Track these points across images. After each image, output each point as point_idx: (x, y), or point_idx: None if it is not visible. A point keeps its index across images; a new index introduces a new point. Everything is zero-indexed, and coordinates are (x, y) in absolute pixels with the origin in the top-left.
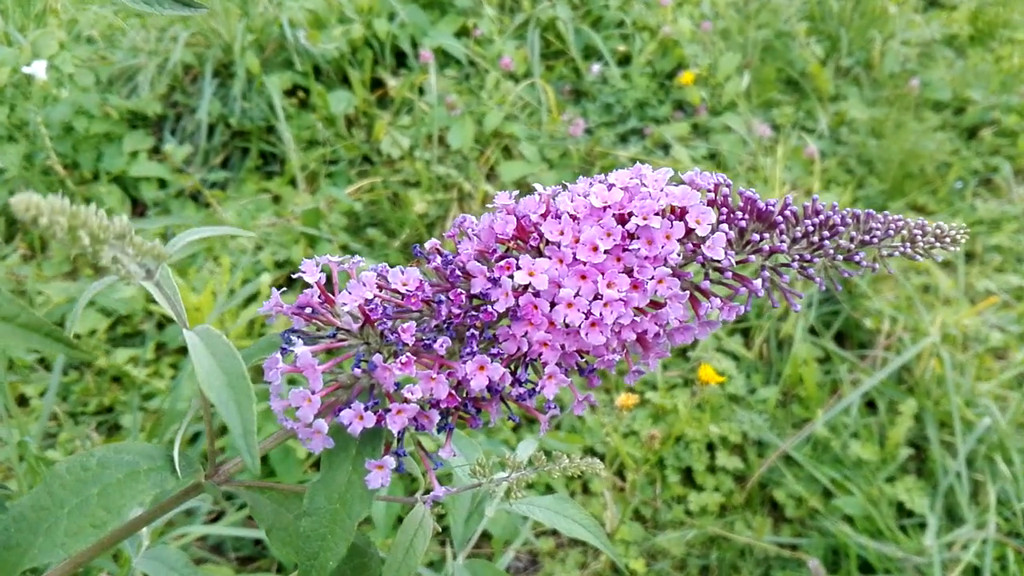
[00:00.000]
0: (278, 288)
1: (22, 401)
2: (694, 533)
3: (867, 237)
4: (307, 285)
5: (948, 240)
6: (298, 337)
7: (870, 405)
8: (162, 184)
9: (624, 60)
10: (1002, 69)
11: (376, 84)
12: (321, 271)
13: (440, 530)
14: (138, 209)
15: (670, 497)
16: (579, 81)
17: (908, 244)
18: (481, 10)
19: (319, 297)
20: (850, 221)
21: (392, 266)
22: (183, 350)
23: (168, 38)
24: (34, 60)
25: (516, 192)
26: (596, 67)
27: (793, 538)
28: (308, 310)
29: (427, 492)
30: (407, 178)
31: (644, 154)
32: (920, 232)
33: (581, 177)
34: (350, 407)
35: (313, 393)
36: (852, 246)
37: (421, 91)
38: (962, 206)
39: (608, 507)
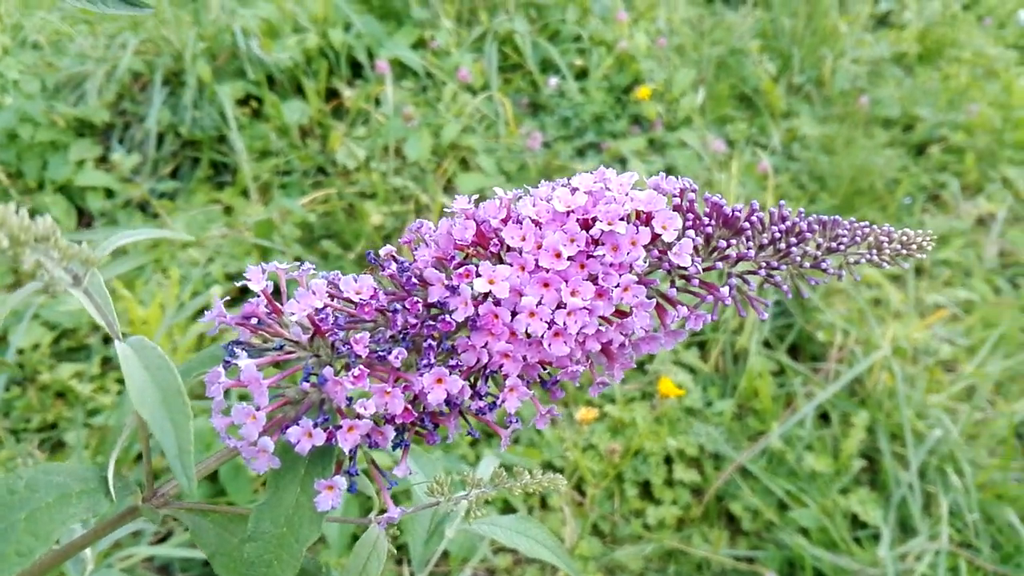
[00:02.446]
0: (229, 301)
1: None
2: (652, 547)
3: (834, 244)
4: (252, 294)
5: (915, 247)
6: (243, 349)
7: (824, 417)
8: (109, 194)
9: (581, 74)
10: (949, 87)
11: (331, 94)
12: (268, 279)
13: (395, 551)
14: (84, 220)
15: (628, 511)
16: (537, 94)
17: (874, 251)
18: (438, 22)
19: (266, 307)
20: (816, 227)
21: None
22: None
23: (117, 45)
24: None
25: (476, 196)
26: (553, 81)
27: (750, 551)
28: (254, 320)
29: (381, 512)
30: (363, 190)
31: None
32: (886, 239)
33: (544, 181)
34: (298, 424)
35: (258, 409)
36: (819, 253)
37: (377, 102)
38: (911, 222)
39: (567, 522)
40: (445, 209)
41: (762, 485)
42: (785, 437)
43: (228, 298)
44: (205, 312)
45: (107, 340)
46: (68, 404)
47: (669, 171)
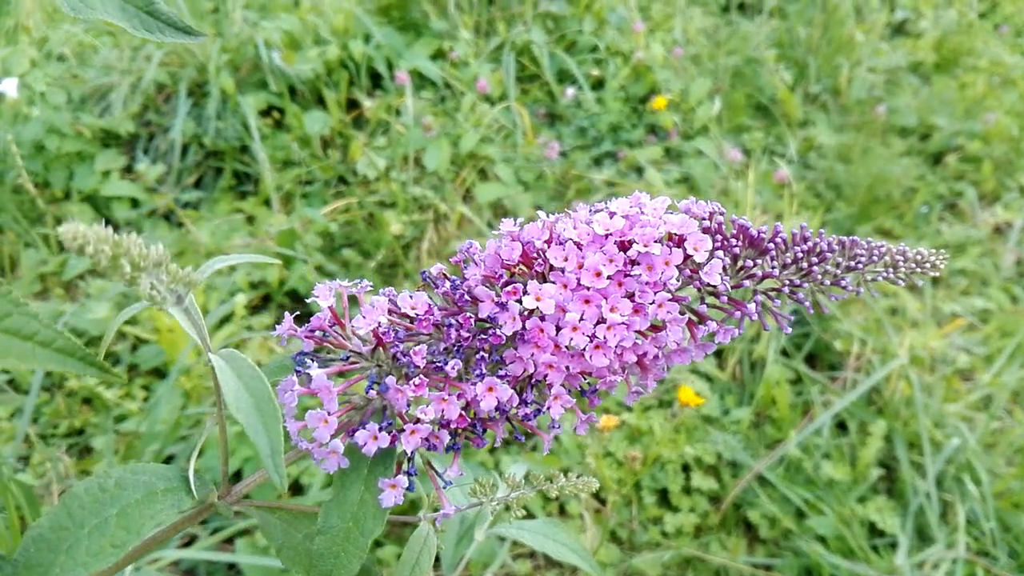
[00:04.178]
0: (252, 308)
1: None
2: (670, 554)
3: (852, 263)
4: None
5: (928, 266)
6: (311, 359)
7: (841, 426)
8: (134, 203)
9: (598, 84)
10: (966, 96)
11: (352, 105)
12: (334, 295)
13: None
14: (110, 228)
15: (646, 519)
16: (554, 104)
17: (891, 270)
18: (457, 33)
19: (330, 320)
20: (836, 247)
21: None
22: (156, 372)
23: (142, 57)
24: (5, 78)
25: (521, 219)
26: (570, 91)
27: (767, 558)
28: (319, 333)
29: (434, 510)
30: (383, 199)
31: (618, 177)
32: (902, 258)
33: (580, 204)
34: (365, 427)
35: (329, 414)
36: (839, 272)
37: (397, 112)
38: (928, 230)
39: (587, 529)
40: (502, 221)
41: (780, 493)
42: (802, 445)
43: (310, 299)
44: (276, 326)
45: (134, 348)
46: (95, 410)
47: (685, 180)
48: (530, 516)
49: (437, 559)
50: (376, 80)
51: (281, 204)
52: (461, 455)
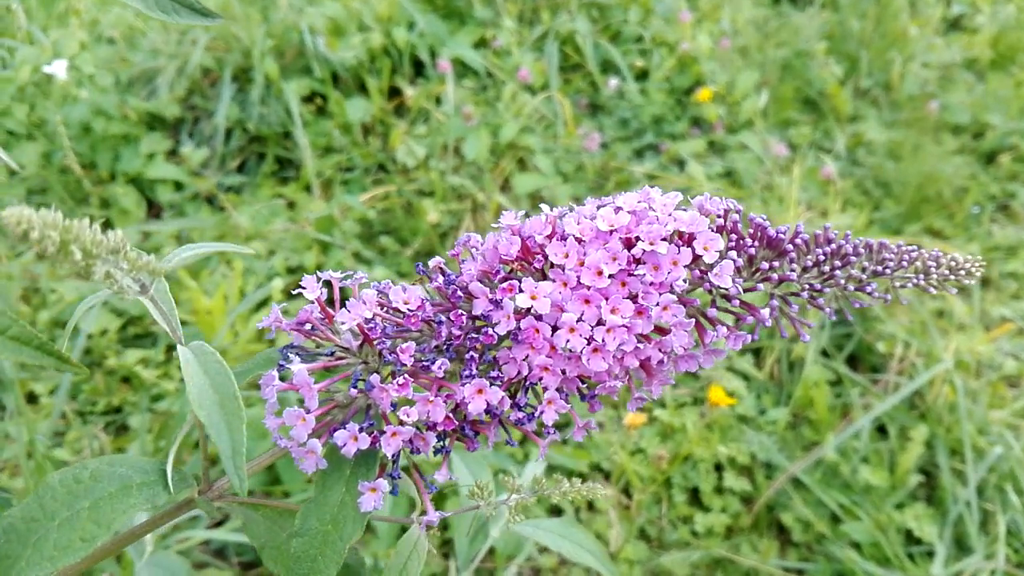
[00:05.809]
0: (288, 293)
1: (31, 399)
2: (699, 554)
3: (880, 268)
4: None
5: (963, 273)
6: (295, 354)
7: (881, 430)
8: (178, 186)
9: (642, 75)
10: (1022, 94)
11: (393, 93)
12: (322, 287)
13: (439, 547)
14: (154, 211)
15: (676, 517)
16: (596, 95)
17: (921, 276)
18: (500, 21)
19: (319, 314)
20: (863, 251)
21: (403, 275)
22: None
23: (188, 41)
24: (55, 59)
25: (523, 212)
26: (613, 82)
27: (799, 563)
28: (308, 326)
29: (423, 514)
30: (421, 187)
31: (659, 170)
32: (934, 264)
33: (589, 198)
34: (345, 428)
35: (308, 412)
36: (864, 276)
37: (438, 101)
38: (979, 231)
39: (613, 525)
40: (503, 212)
41: (814, 497)
42: (840, 449)
43: (296, 291)
44: (263, 317)
45: None
46: (133, 389)
47: (729, 174)
48: (558, 511)
49: (453, 549)
50: (418, 68)
51: (321, 190)
52: (488, 445)
